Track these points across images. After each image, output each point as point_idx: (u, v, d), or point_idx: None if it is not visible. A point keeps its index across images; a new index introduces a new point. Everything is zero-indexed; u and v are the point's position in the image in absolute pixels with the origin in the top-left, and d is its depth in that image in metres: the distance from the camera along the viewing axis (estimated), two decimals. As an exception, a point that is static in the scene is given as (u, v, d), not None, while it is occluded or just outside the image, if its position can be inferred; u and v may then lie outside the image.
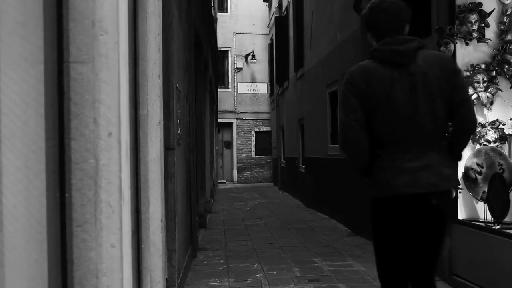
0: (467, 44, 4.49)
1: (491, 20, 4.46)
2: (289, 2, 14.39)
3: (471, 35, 4.46)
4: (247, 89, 21.36)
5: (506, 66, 4.36)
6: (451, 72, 2.42)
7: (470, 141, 4.44)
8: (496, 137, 4.36)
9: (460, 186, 4.42)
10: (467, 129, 2.48)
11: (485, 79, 4.42)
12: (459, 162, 3.01)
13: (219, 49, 16.85)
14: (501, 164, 4.28)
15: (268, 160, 21.15)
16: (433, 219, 2.42)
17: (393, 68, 2.39)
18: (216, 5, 15.30)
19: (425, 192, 2.33)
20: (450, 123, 2.47)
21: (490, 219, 4.20)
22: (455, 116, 2.42)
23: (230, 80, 21.29)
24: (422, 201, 2.35)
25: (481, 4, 4.43)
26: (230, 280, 4.96)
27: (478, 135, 4.41)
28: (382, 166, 2.42)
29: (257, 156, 21.32)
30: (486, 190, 4.25)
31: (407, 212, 2.40)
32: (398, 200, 2.39)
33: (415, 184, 2.33)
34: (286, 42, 14.73)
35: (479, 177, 4.36)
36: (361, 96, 2.40)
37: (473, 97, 4.43)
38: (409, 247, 2.48)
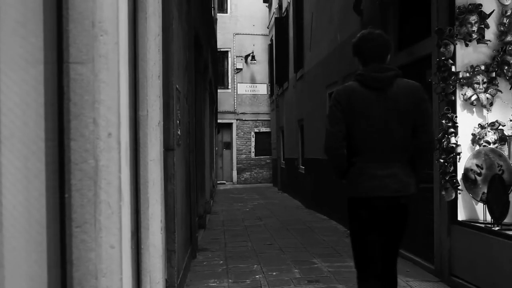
0: (466, 45, 4.49)
1: (491, 21, 4.47)
2: (289, 3, 14.40)
3: (471, 36, 4.46)
4: (247, 90, 21.36)
5: (506, 67, 4.37)
6: (419, 99, 2.89)
7: (470, 142, 4.45)
8: (496, 138, 4.36)
9: (459, 187, 4.43)
10: (423, 148, 2.92)
11: (485, 80, 4.42)
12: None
13: (219, 50, 16.86)
14: (501, 165, 4.28)
15: (267, 161, 21.15)
16: (395, 215, 2.93)
17: (372, 90, 2.89)
18: (216, 6, 15.30)
19: (389, 196, 2.84)
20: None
21: (490, 220, 4.20)
22: (416, 135, 2.87)
23: (230, 81, 21.29)
24: (386, 202, 2.87)
25: (481, 5, 4.43)
26: (230, 281, 4.96)
27: (478, 136, 4.41)
28: (356, 171, 2.92)
29: (256, 157, 21.32)
30: (485, 191, 4.25)
31: (374, 209, 2.90)
32: (368, 200, 2.89)
33: (382, 189, 2.84)
34: (286, 43, 14.73)
35: (478, 178, 4.36)
36: (344, 111, 2.89)
37: (473, 98, 4.44)
38: (377, 238, 2.95)
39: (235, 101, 21.23)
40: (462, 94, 4.48)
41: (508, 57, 4.36)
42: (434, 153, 4.64)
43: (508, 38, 4.41)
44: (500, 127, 4.36)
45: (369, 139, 2.87)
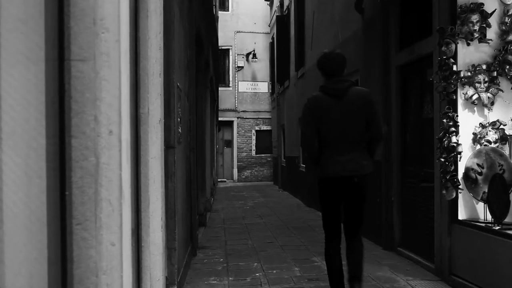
0: (468, 44, 4.48)
1: (493, 21, 4.46)
2: (290, 1, 14.38)
3: (473, 35, 4.45)
4: (248, 88, 21.34)
5: (507, 67, 4.36)
6: (368, 102, 3.86)
7: (471, 141, 4.46)
8: (497, 138, 4.36)
9: (460, 186, 4.43)
10: (374, 138, 3.88)
11: (486, 79, 4.42)
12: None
13: (220, 48, 16.85)
14: (502, 165, 4.28)
15: (268, 159, 21.15)
16: (355, 190, 3.86)
17: (333, 98, 3.84)
18: (217, 4, 15.28)
19: (349, 175, 3.79)
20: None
21: (490, 219, 4.20)
22: (368, 129, 3.84)
23: (231, 79, 21.27)
24: (347, 180, 3.81)
25: (482, 4, 4.43)
26: (230, 278, 4.96)
27: (479, 136, 4.41)
28: (325, 159, 3.86)
29: (257, 155, 21.31)
30: (486, 190, 4.25)
31: (338, 186, 3.86)
32: (333, 179, 3.85)
33: (343, 170, 3.79)
34: (287, 41, 14.71)
35: (479, 177, 4.36)
36: (313, 115, 3.85)
37: (474, 97, 4.43)
38: (340, 207, 3.96)
39: (236, 99, 21.22)
40: (463, 93, 4.47)
41: (510, 57, 4.36)
42: (435, 152, 4.67)
43: (510, 38, 4.40)
44: (501, 126, 4.35)
45: (332, 135, 3.82)
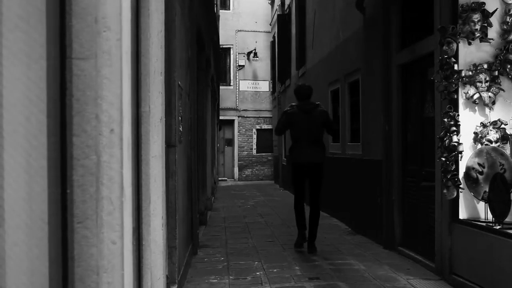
0: (469, 43, 4.48)
1: (494, 20, 4.46)
2: (291, 0, 14.37)
3: (474, 34, 4.45)
4: (249, 86, 21.35)
5: (509, 66, 4.36)
6: (325, 116, 6.25)
7: (472, 140, 4.46)
8: (498, 137, 4.36)
9: (461, 186, 4.42)
10: (330, 134, 6.82)
11: (487, 78, 4.41)
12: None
13: (221, 47, 16.84)
14: (503, 164, 4.28)
15: (269, 158, 21.16)
16: (315, 173, 6.19)
17: (303, 113, 6.14)
18: (218, 2, 15.27)
19: (311, 161, 6.10)
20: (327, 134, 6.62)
21: (491, 219, 4.20)
22: (326, 131, 6.42)
23: (232, 78, 21.28)
24: (310, 165, 6.12)
25: (484, 3, 4.42)
26: (231, 277, 4.97)
27: (480, 135, 4.41)
28: (296, 151, 6.19)
29: (258, 154, 21.32)
30: (487, 190, 4.25)
31: (304, 169, 6.17)
32: (301, 164, 6.16)
33: (307, 158, 6.09)
34: (289, 40, 14.71)
35: (480, 177, 4.36)
36: (288, 121, 6.25)
37: (475, 96, 4.43)
38: (305, 183, 6.32)
39: (237, 98, 21.23)
40: (464, 92, 4.47)
41: (511, 56, 4.35)
42: (436, 151, 4.67)
43: (511, 37, 4.40)
44: (502, 125, 4.35)
45: (301, 136, 6.18)
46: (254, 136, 21.30)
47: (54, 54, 1.44)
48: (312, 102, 6.26)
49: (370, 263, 5.50)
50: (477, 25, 4.43)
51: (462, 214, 4.53)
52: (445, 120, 4.46)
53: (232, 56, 21.26)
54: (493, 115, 4.43)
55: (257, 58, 20.95)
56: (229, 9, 21.11)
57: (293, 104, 6.35)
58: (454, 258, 4.64)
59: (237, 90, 21.23)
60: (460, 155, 4.43)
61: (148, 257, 2.68)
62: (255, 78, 21.35)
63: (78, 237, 1.51)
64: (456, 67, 4.45)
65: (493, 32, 4.48)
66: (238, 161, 21.19)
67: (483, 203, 4.34)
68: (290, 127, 6.27)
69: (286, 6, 15.54)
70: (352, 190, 7.93)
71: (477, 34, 4.45)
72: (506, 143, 4.35)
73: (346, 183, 8.33)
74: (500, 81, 4.42)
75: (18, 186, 1.22)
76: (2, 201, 1.15)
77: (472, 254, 4.35)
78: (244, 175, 21.15)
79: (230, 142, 21.40)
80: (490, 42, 4.47)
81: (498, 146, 4.36)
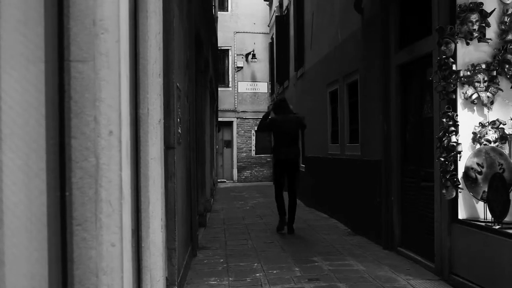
0: (467, 43, 4.49)
1: (492, 20, 4.46)
2: (289, 1, 14.38)
3: (472, 34, 4.46)
4: (247, 88, 21.35)
5: (507, 66, 4.37)
6: (300, 122, 8.07)
7: (471, 140, 4.46)
8: (497, 137, 4.36)
9: (460, 186, 4.43)
10: (304, 135, 9.08)
11: (486, 78, 4.42)
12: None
13: (219, 48, 16.84)
14: (502, 164, 4.28)
15: (268, 159, 21.13)
16: (292, 167, 7.82)
17: (283, 120, 7.81)
18: (216, 4, 15.27)
19: (288, 159, 7.74)
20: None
21: (490, 218, 4.20)
22: (301, 132, 8.44)
23: (230, 79, 21.28)
24: (288, 162, 7.76)
25: (482, 3, 4.43)
26: (230, 279, 4.96)
27: (479, 135, 4.41)
28: (278, 150, 7.81)
29: (257, 155, 21.31)
30: (486, 189, 4.25)
31: (284, 165, 7.79)
32: (282, 161, 7.79)
33: (286, 156, 7.73)
34: (287, 41, 14.72)
35: (479, 176, 4.36)
36: (271, 124, 8.05)
37: (474, 96, 4.44)
38: (285, 176, 7.87)
39: (236, 99, 21.23)
40: (463, 92, 4.48)
41: (509, 56, 4.36)
42: (435, 151, 4.67)
43: (509, 37, 4.41)
44: (501, 125, 4.36)
45: (282, 138, 7.73)
46: (253, 138, 21.30)
47: (52, 57, 1.44)
48: (290, 112, 7.98)
49: (370, 264, 5.50)
50: (475, 25, 4.44)
51: (461, 214, 4.53)
52: (444, 120, 4.46)
53: (230, 57, 21.26)
54: (492, 115, 4.44)
55: (256, 60, 20.95)
56: (227, 11, 21.11)
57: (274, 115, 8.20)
58: (453, 258, 4.64)
59: (236, 91, 21.23)
60: (459, 155, 4.44)
61: (147, 259, 2.67)
62: (253, 79, 21.35)
63: (77, 240, 1.51)
64: (454, 67, 4.45)
65: (491, 32, 4.48)
66: (237, 162, 21.19)
67: (482, 203, 4.35)
68: (272, 130, 8.14)
69: (284, 8, 15.54)
70: (351, 191, 7.94)
71: (475, 34, 4.45)
72: (505, 143, 4.36)
73: (345, 184, 8.33)
74: (499, 81, 4.42)
75: (17, 189, 1.22)
76: (1, 204, 1.15)
77: (471, 254, 4.35)
78: (243, 177, 21.14)
79: (229, 144, 21.39)
80: (488, 42, 4.48)
81: (497, 146, 4.36)
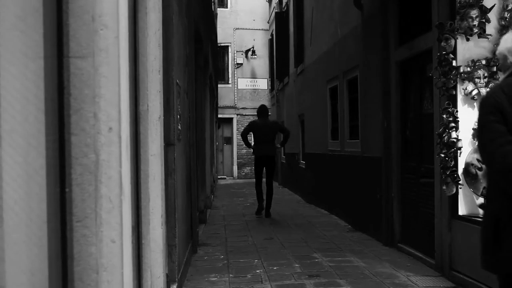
0: (467, 39, 4.48)
1: (492, 16, 4.45)
2: (289, -3, 14.35)
3: (472, 30, 4.45)
4: (247, 84, 21.33)
5: (507, 62, 4.35)
6: (278, 125, 10.32)
7: (471, 136, 4.46)
8: (497, 133, 4.35)
9: (460, 182, 4.43)
10: (284, 137, 9.59)
11: (486, 74, 4.41)
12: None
13: (219, 45, 16.80)
14: (502, 160, 4.27)
15: (268, 155, 21.10)
16: (270, 162, 9.36)
17: (263, 124, 9.39)
18: (216, 1, 15.25)
19: (266, 154, 9.26)
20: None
21: (490, 214, 4.19)
22: (281, 133, 9.82)
23: (230, 76, 21.26)
24: (266, 157, 9.27)
25: (482, -1, 4.42)
26: (230, 275, 4.97)
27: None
28: (257, 147, 9.35)
29: (257, 152, 21.27)
30: (486, 185, 4.25)
31: (262, 160, 9.32)
32: (260, 157, 9.32)
33: (264, 152, 9.25)
34: (287, 38, 14.70)
35: (479, 172, 4.36)
36: (251, 127, 9.51)
37: (474, 92, 4.43)
38: (263, 170, 9.38)
39: (236, 96, 21.22)
40: (463, 88, 4.47)
41: (509, 52, 4.34)
42: (435, 147, 4.67)
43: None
44: (501, 121, 4.35)
45: (261, 138, 9.27)
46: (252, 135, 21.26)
47: (51, 53, 1.44)
48: (268, 117, 9.62)
49: (370, 260, 5.50)
50: (475, 21, 4.43)
51: (462, 210, 4.53)
52: (444, 116, 4.46)
53: (230, 54, 21.24)
54: (492, 111, 4.42)
55: (255, 56, 20.92)
56: (226, 7, 21.08)
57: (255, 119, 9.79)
58: (454, 254, 4.65)
59: (236, 88, 21.21)
60: (459, 151, 4.44)
61: (147, 255, 2.68)
62: (253, 76, 21.33)
63: (77, 236, 1.51)
64: (454, 63, 4.45)
65: (491, 28, 4.47)
66: (237, 159, 21.18)
67: (483, 199, 4.35)
68: (252, 132, 9.41)
69: (283, 4, 15.51)
70: (351, 187, 7.94)
71: (475, 30, 4.44)
72: (505, 138, 4.34)
73: (345, 180, 8.34)
74: (499, 77, 4.41)
75: (17, 186, 1.22)
76: (1, 201, 1.15)
77: (471, 250, 4.35)
78: (243, 173, 21.14)
79: (229, 140, 21.39)
80: (488, 38, 4.47)
81: (497, 142, 4.35)
